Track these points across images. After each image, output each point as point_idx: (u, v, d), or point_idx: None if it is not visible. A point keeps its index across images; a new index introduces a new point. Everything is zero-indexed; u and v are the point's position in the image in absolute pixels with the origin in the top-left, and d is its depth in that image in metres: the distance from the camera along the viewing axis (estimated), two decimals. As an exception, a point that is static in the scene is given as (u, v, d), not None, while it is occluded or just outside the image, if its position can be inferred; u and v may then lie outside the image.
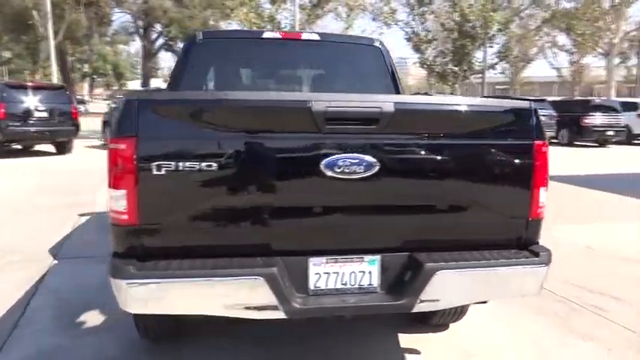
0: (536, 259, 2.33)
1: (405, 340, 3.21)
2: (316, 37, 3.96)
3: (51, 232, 5.67)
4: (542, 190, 2.36)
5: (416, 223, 2.31)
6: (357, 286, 2.28)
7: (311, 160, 2.12)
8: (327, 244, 2.25)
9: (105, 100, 39.84)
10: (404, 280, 2.27)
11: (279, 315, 2.13)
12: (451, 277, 2.21)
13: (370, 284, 2.29)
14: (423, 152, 2.25)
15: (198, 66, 3.78)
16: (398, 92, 4.04)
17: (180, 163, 2.05)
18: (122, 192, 2.07)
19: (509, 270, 2.30)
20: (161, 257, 2.12)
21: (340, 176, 2.13)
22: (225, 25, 29.71)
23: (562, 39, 35.15)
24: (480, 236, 2.38)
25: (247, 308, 2.11)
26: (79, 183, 9.04)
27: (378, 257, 2.28)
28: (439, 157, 2.27)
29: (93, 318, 3.47)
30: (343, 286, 2.27)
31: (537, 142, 2.33)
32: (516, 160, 2.33)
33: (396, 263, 2.30)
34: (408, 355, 3.05)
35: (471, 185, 2.32)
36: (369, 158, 2.14)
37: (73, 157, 13.60)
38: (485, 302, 2.74)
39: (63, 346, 3.10)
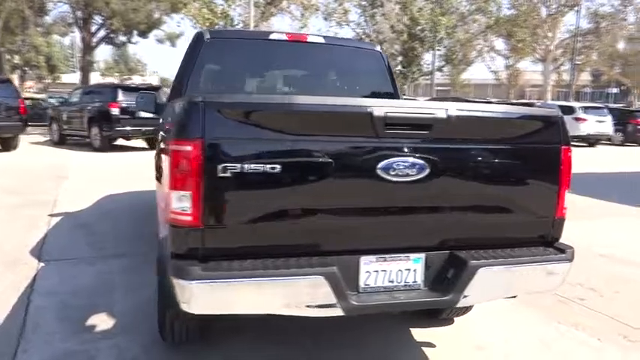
0: (563, 255, 2.52)
1: (418, 334, 3.35)
2: (321, 40, 4.04)
3: (23, 233, 5.43)
4: (566, 191, 2.55)
5: (457, 222, 2.44)
6: (402, 283, 2.39)
7: (368, 163, 2.21)
8: (377, 243, 2.35)
9: (37, 93, 37.88)
10: (447, 277, 2.40)
11: (337, 312, 2.20)
12: (491, 273, 2.36)
13: (415, 281, 2.40)
14: (467, 156, 2.38)
15: (206, 65, 3.77)
16: (397, 95, 4.19)
17: (245, 165, 2.08)
18: (186, 193, 2.07)
19: (540, 266, 2.47)
20: (221, 258, 2.14)
21: (394, 179, 2.23)
22: (170, 20, 29.08)
23: (499, 44, 36.77)
24: (512, 234, 2.55)
25: (308, 307, 2.17)
26: (33, 181, 8.69)
27: (422, 255, 2.40)
28: (481, 161, 2.42)
29: (101, 321, 3.40)
30: (390, 284, 2.37)
31: (564, 146, 2.52)
32: (546, 163, 2.52)
33: (438, 261, 2.42)
34: (425, 349, 3.18)
35: (507, 186, 2.49)
36: (421, 162, 2.26)
37: (19, 153, 12.95)
38: (514, 297, 2.91)
39: (78, 351, 3.01)
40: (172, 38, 37.24)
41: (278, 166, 2.11)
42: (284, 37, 3.96)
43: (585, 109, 20.74)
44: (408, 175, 2.25)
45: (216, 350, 3.06)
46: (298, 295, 2.16)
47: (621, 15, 30.41)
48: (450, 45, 24.49)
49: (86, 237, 5.44)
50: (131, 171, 10.09)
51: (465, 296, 2.35)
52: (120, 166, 11.26)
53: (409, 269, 2.39)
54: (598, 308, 3.87)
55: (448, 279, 2.39)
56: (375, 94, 4.04)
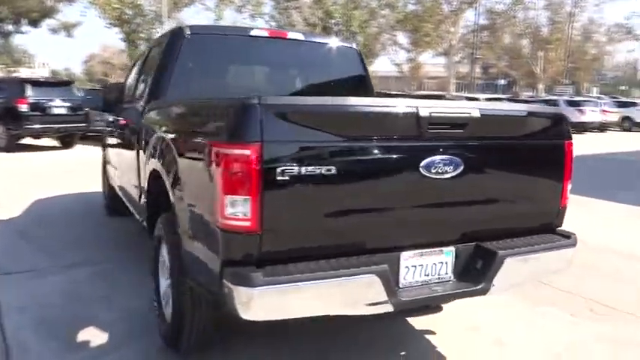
0: (570, 241, 2.75)
1: (414, 322, 3.48)
2: (301, 37, 4.02)
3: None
4: (568, 183, 2.78)
5: (482, 215, 2.58)
6: (436, 276, 2.49)
7: (412, 161, 2.28)
8: (415, 239, 2.42)
9: None
10: (476, 267, 2.53)
11: (388, 309, 2.26)
12: (517, 262, 2.52)
13: (446, 274, 2.51)
14: (492, 152, 2.53)
15: (187, 61, 3.62)
16: (371, 91, 4.29)
17: (302, 168, 2.06)
18: (243, 198, 2.01)
19: (555, 253, 2.68)
20: (275, 262, 2.11)
21: (433, 176, 2.32)
22: (67, 9, 27.24)
23: (401, 38, 38.29)
24: (525, 224, 2.73)
25: (366, 305, 2.20)
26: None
27: (452, 248, 2.51)
28: (503, 156, 2.57)
29: (92, 335, 3.18)
30: (426, 277, 2.46)
31: (567, 141, 2.74)
32: (555, 157, 2.72)
33: (465, 253, 2.55)
34: (426, 336, 3.32)
35: (524, 179, 2.67)
36: (457, 159, 2.36)
37: None
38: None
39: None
40: (68, 28, 34.87)
41: (332, 167, 2.11)
42: (265, 33, 3.90)
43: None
44: (445, 172, 2.34)
45: (231, 354, 2.99)
46: (354, 294, 2.18)
47: (512, 13, 32.89)
48: (362, 40, 25.12)
49: (30, 245, 5.02)
50: (50, 172, 9.41)
51: (493, 285, 2.50)
52: (36, 167, 10.42)
53: (442, 262, 2.50)
54: (562, 287, 4.22)
55: (477, 269, 2.52)
56: (353, 90, 4.10)
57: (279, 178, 2.03)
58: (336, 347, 3.13)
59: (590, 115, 24.53)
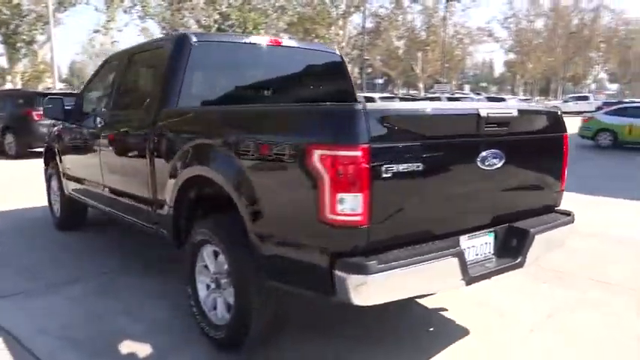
0: (571, 217, 3.27)
1: (428, 302, 3.85)
2: (294, 44, 4.23)
3: None
4: (566, 169, 3.31)
5: (514, 200, 3.01)
6: (483, 256, 2.86)
7: (472, 156, 2.64)
8: (469, 223, 2.78)
9: None
10: (511, 245, 2.94)
11: (462, 285, 2.60)
12: (543, 237, 2.98)
13: (490, 252, 2.90)
14: (521, 145, 2.95)
15: (196, 69, 3.66)
16: (354, 92, 4.62)
17: (398, 165, 2.32)
18: (353, 195, 2.23)
19: (565, 228, 3.18)
20: (378, 251, 2.34)
21: (486, 168, 2.71)
22: None
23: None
24: (538, 205, 3.21)
25: (449, 283, 2.53)
26: None
27: (493, 230, 2.91)
28: (528, 148, 3.01)
29: (134, 348, 3.14)
30: (476, 257, 2.83)
31: (564, 134, 3.27)
32: (557, 147, 3.23)
33: (501, 233, 2.96)
34: (440, 312, 3.71)
35: (540, 167, 3.15)
36: (501, 152, 2.76)
37: None
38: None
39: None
40: None
41: (420, 164, 2.40)
42: (264, 40, 4.04)
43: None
44: (493, 164, 2.73)
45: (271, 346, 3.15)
46: (441, 274, 2.49)
47: (394, 16, 34.98)
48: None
49: (3, 268, 4.65)
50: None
51: (526, 259, 2.93)
52: None
53: (487, 243, 2.88)
54: (556, 267, 4.77)
55: (513, 247, 2.94)
56: (339, 93, 4.39)
57: (383, 175, 2.27)
58: (369, 330, 3.40)
59: (470, 110, 26.88)
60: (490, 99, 32.43)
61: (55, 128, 5.87)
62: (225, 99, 3.81)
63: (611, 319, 3.63)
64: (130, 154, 4.01)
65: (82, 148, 4.90)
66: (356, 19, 30.72)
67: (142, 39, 28.85)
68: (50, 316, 3.56)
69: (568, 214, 3.30)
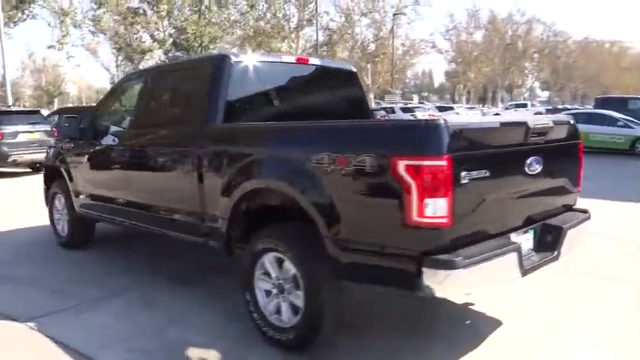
0: (588, 215, 3.69)
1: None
2: (318, 62, 4.51)
3: None
4: (582, 172, 3.74)
5: (547, 200, 3.40)
6: (526, 250, 3.21)
7: (521, 162, 3.02)
8: (516, 222, 3.14)
9: None
10: (547, 240, 3.32)
11: (519, 277, 2.94)
12: (573, 233, 3.37)
13: (531, 248, 3.26)
14: (552, 151, 3.34)
15: (235, 86, 3.85)
16: (367, 102, 4.95)
17: (472, 172, 2.65)
18: (441, 200, 2.53)
19: (585, 223, 3.59)
20: (456, 249, 2.65)
21: (530, 172, 3.08)
22: None
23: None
24: (561, 204, 3.61)
25: (510, 276, 2.86)
26: None
27: (533, 227, 3.27)
28: (556, 154, 3.40)
29: (208, 356, 3.29)
30: (524, 252, 3.17)
31: (579, 141, 3.70)
32: (575, 152, 3.66)
33: (538, 230, 3.32)
34: (469, 306, 4.04)
35: (564, 170, 3.56)
36: (540, 159, 3.13)
37: None
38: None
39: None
40: None
41: (487, 170, 2.73)
42: (293, 59, 4.29)
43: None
44: (536, 169, 3.10)
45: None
46: (506, 268, 2.82)
47: (344, 30, 35.87)
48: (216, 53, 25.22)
49: (27, 288, 4.62)
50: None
51: (560, 253, 3.31)
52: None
53: (528, 239, 3.24)
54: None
55: (548, 242, 3.31)
56: (358, 104, 4.72)
57: (463, 181, 2.59)
58: (413, 327, 3.69)
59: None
60: (440, 108, 33.74)
61: (54, 148, 5.87)
62: (262, 114, 4.02)
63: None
64: (169, 170, 4.14)
65: (103, 165, 4.95)
66: (309, 32, 31.32)
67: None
68: (105, 332, 3.63)
69: (585, 211, 3.71)
